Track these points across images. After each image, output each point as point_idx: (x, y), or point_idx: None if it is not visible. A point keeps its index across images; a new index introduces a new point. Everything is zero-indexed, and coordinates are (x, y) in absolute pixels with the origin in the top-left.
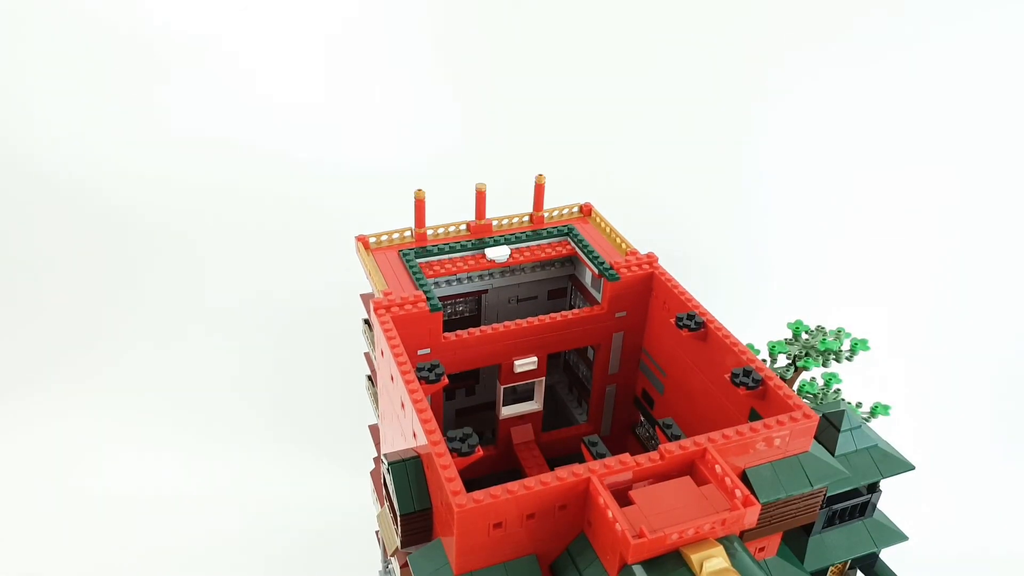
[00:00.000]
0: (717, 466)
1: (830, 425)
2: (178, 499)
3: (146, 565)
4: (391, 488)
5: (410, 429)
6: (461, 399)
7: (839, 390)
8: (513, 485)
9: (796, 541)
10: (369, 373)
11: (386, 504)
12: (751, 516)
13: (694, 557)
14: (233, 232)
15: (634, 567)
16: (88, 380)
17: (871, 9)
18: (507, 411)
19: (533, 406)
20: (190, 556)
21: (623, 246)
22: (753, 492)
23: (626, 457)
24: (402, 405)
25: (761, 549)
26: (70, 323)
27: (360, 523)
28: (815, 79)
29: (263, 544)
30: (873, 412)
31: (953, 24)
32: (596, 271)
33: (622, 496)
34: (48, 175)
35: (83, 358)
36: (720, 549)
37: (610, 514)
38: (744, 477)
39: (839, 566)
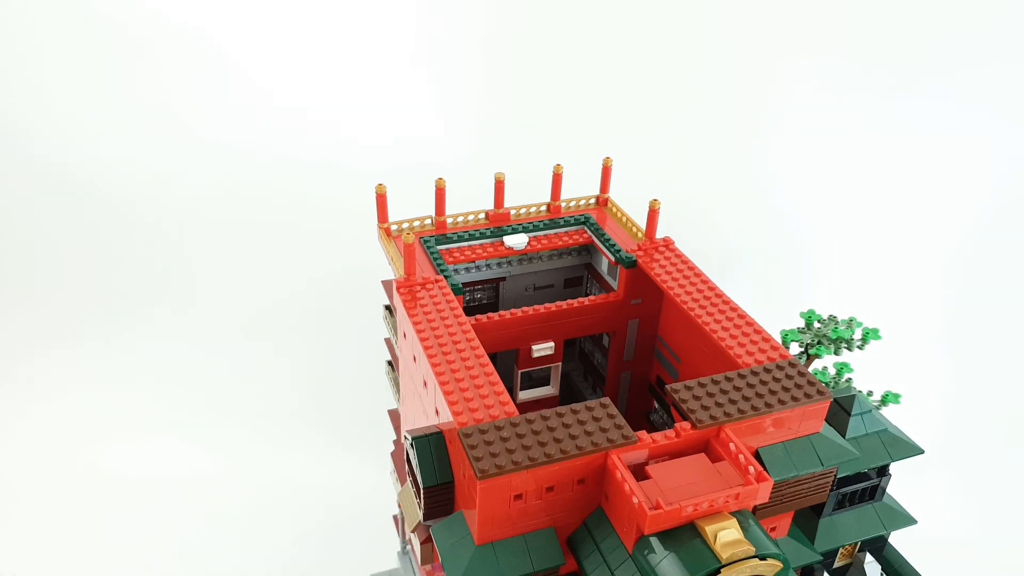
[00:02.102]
0: (731, 444)
1: (841, 409)
2: (200, 482)
3: (169, 542)
4: (414, 462)
5: (432, 406)
6: None
7: (851, 379)
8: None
9: (807, 522)
10: (389, 359)
11: (408, 480)
12: (764, 491)
13: (708, 529)
14: (252, 227)
15: (650, 538)
16: (113, 365)
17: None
18: (524, 395)
19: (549, 391)
20: (208, 537)
21: (639, 235)
22: (766, 469)
23: (643, 434)
24: (424, 384)
25: (773, 529)
26: (97, 308)
27: (379, 507)
28: (847, 71)
29: (284, 526)
30: (883, 400)
31: (972, 25)
32: (612, 258)
33: (639, 472)
34: (85, 171)
35: (110, 343)
36: (734, 522)
37: (627, 487)
38: (757, 456)
39: (849, 548)
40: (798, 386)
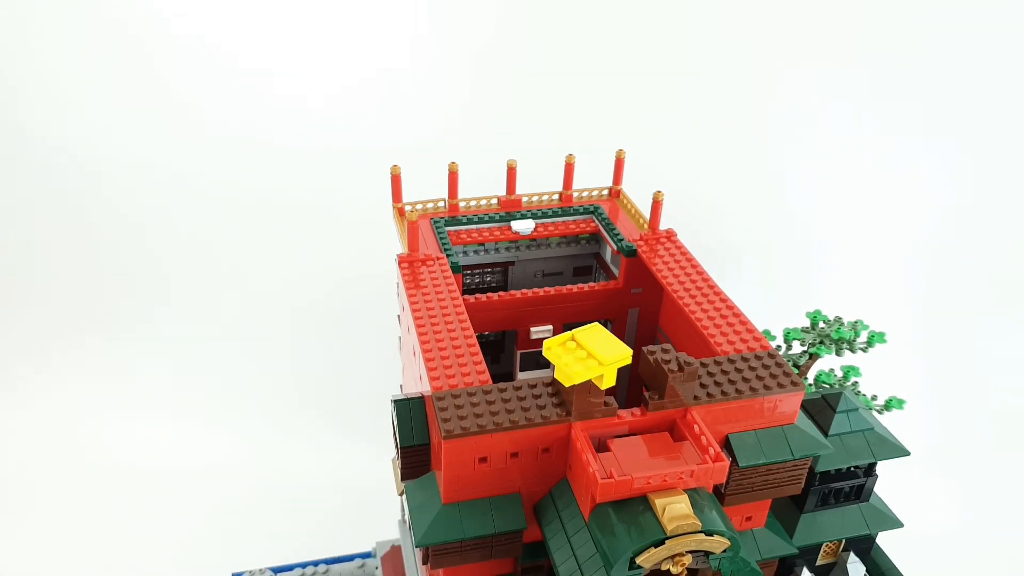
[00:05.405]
0: (695, 426)
1: (827, 405)
2: (211, 471)
3: (181, 529)
4: (394, 423)
5: (418, 374)
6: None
7: (857, 383)
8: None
9: (788, 517)
10: (401, 335)
11: (394, 444)
12: (719, 472)
13: (658, 502)
14: (262, 215)
15: (605, 507)
16: (127, 352)
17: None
18: (523, 376)
19: (548, 373)
20: (218, 521)
21: (644, 226)
22: (734, 455)
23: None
24: (414, 353)
25: (748, 519)
26: (107, 299)
27: (389, 490)
28: (869, 67)
29: (292, 509)
30: (887, 405)
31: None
32: (614, 246)
33: (602, 446)
34: (104, 164)
35: (119, 334)
36: (685, 497)
37: (585, 456)
38: (727, 441)
39: (832, 546)
40: (772, 376)
